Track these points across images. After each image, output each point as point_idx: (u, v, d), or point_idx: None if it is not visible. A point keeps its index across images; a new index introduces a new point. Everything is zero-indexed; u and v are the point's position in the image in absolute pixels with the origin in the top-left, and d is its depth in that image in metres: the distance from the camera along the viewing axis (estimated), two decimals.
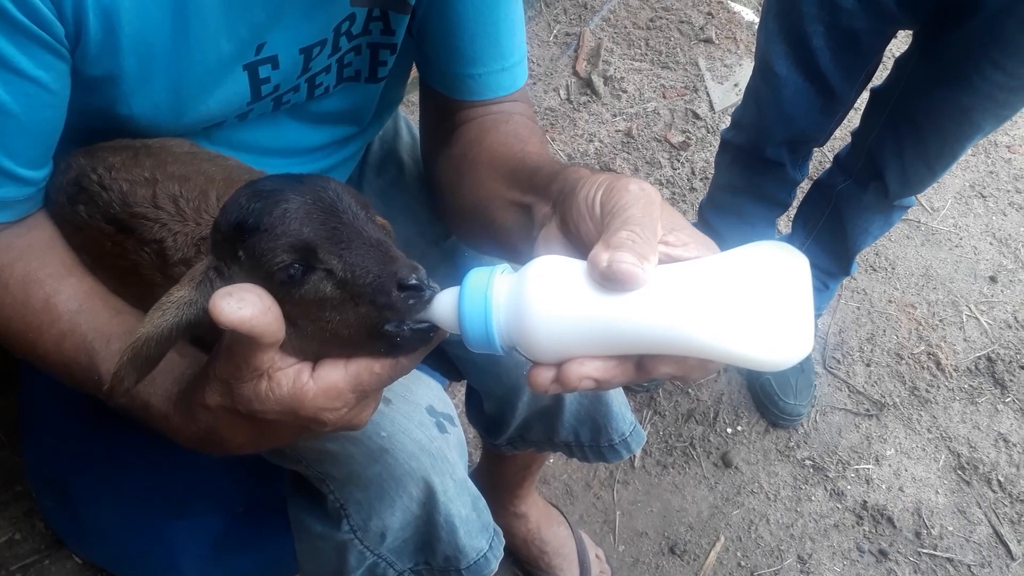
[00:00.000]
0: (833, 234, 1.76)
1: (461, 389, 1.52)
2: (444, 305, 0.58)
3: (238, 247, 0.58)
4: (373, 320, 0.58)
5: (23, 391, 1.02)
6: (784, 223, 2.20)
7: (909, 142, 1.49)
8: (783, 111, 1.53)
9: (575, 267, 0.58)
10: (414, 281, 0.57)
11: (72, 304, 0.72)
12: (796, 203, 1.88)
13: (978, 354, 2.12)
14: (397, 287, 0.57)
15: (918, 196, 2.47)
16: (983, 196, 2.57)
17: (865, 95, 1.57)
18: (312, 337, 0.60)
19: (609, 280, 0.54)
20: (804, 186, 1.87)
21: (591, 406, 1.10)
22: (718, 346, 0.54)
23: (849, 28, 1.36)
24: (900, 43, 1.57)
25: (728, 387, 1.97)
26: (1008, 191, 2.59)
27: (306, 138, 0.95)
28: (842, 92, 1.48)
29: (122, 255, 0.73)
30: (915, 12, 1.33)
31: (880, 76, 1.53)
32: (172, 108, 0.79)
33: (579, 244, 0.63)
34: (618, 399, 1.12)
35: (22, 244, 0.73)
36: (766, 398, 1.89)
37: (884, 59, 1.48)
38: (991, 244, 2.42)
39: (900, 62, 1.46)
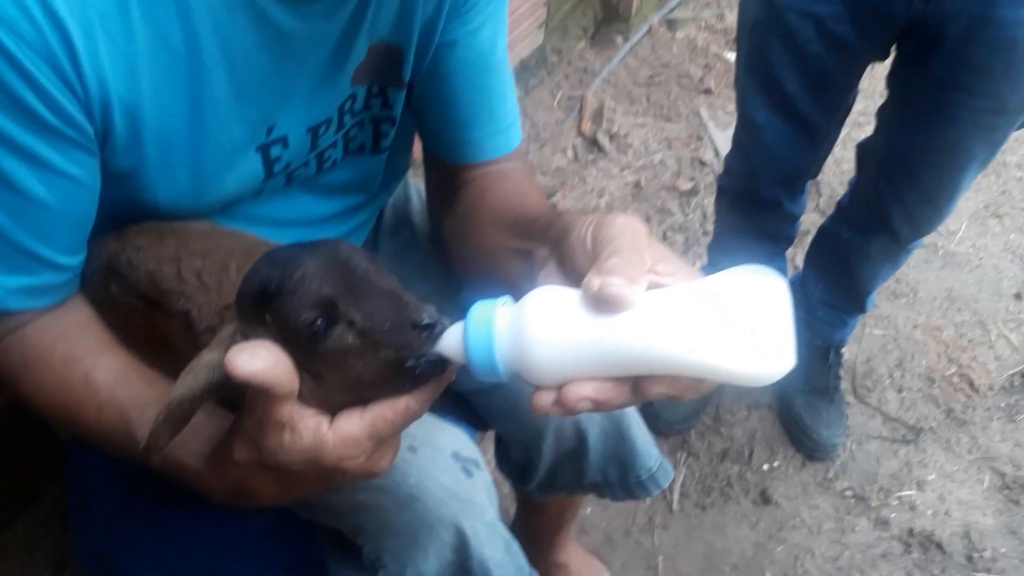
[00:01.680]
0: (844, 278, 1.79)
1: (491, 446, 1.55)
2: (452, 338, 0.62)
3: (264, 312, 0.63)
4: (393, 361, 0.62)
5: (69, 472, 1.07)
6: (799, 254, 2.22)
7: (907, 187, 1.51)
8: (769, 155, 1.58)
9: (570, 295, 0.61)
10: (427, 320, 0.62)
11: (109, 377, 0.77)
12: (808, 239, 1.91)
13: (1011, 371, 2.10)
14: (412, 326, 0.61)
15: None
16: (999, 216, 2.57)
17: (845, 131, 1.60)
18: (336, 386, 0.63)
19: (601, 302, 0.57)
20: (816, 219, 1.90)
21: (616, 444, 1.12)
22: (706, 363, 0.57)
23: (820, 71, 1.40)
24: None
25: (760, 423, 1.97)
26: (1023, 209, 2.59)
27: (318, 208, 1.01)
28: (824, 128, 1.53)
29: (152, 328, 0.79)
30: (879, 44, 1.37)
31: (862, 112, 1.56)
32: (192, 191, 0.84)
33: (576, 278, 0.66)
34: (642, 435, 1.14)
35: (62, 325, 0.79)
36: (799, 431, 1.89)
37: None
38: (1012, 262, 2.42)
39: (880, 112, 1.49)
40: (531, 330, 0.60)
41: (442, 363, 0.63)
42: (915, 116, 1.39)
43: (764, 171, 1.63)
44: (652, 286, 0.61)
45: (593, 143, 2.65)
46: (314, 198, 0.99)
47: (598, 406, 0.60)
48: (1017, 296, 2.30)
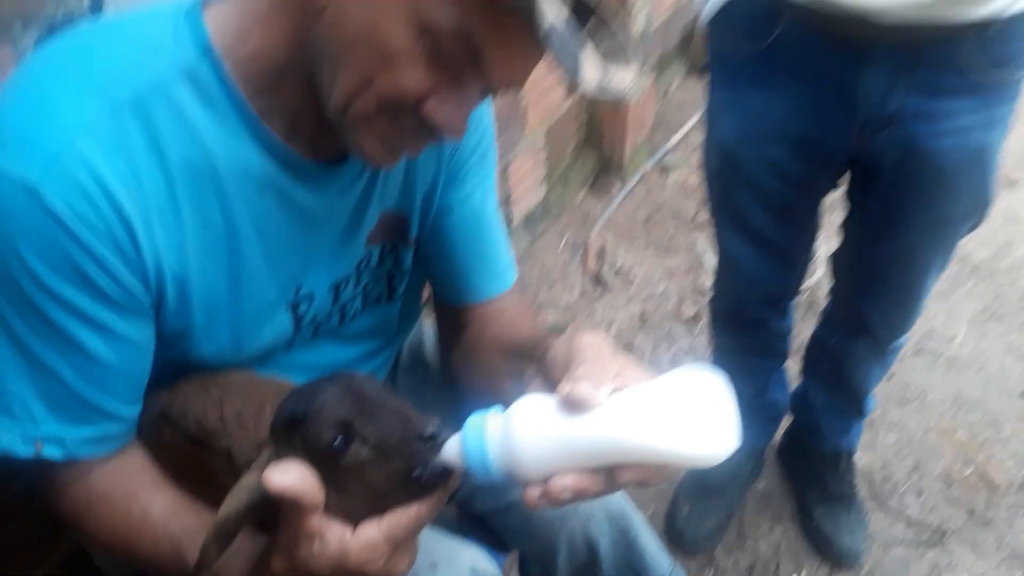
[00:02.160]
0: (839, 383, 1.88)
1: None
2: (452, 447, 0.73)
3: (293, 436, 0.75)
4: (403, 470, 0.73)
5: None
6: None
7: (879, 292, 1.62)
8: (749, 281, 1.71)
9: (548, 401, 0.73)
10: (431, 431, 0.73)
11: (163, 512, 0.88)
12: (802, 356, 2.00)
13: None
14: (418, 438, 0.73)
15: (933, 330, 2.57)
16: (997, 318, 2.65)
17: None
18: (356, 494, 0.74)
19: (570, 404, 0.69)
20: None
21: (626, 553, 1.19)
22: (661, 449, 0.68)
23: (781, 204, 1.52)
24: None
25: (784, 536, 1.99)
26: (1021, 309, 2.67)
27: (343, 354, 1.13)
28: (795, 251, 1.66)
29: (200, 466, 0.90)
30: (829, 177, 1.50)
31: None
32: (233, 347, 0.97)
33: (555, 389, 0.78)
34: (651, 543, 1.21)
35: (121, 468, 0.90)
36: (822, 540, 1.92)
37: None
38: (1017, 360, 2.48)
39: (843, 226, 1.62)
40: (516, 432, 0.71)
41: (445, 472, 0.74)
42: (873, 230, 1.51)
43: (747, 295, 1.76)
44: (618, 390, 0.73)
45: (598, 280, 2.82)
46: (339, 346, 1.12)
47: (578, 495, 0.70)
48: None
